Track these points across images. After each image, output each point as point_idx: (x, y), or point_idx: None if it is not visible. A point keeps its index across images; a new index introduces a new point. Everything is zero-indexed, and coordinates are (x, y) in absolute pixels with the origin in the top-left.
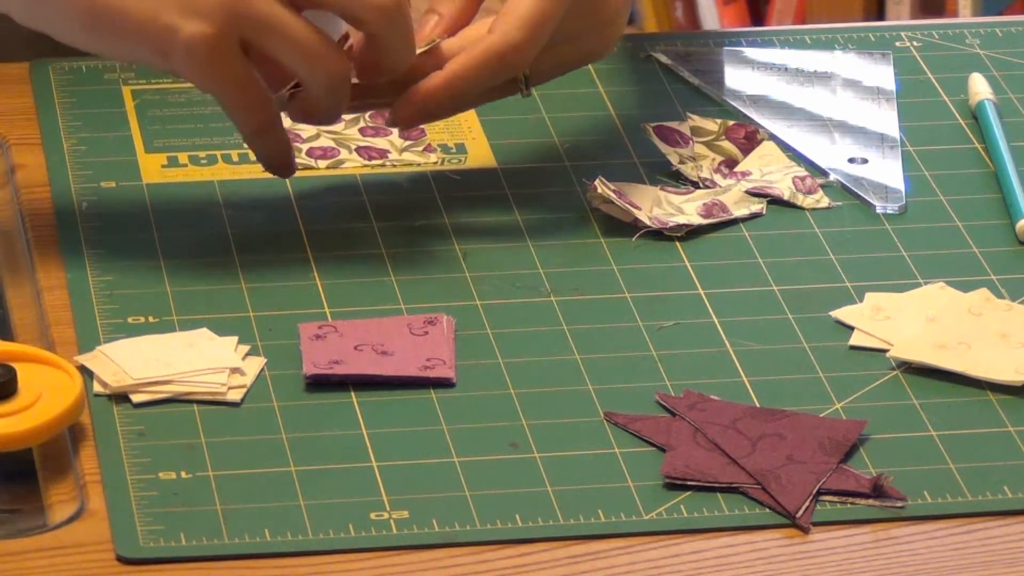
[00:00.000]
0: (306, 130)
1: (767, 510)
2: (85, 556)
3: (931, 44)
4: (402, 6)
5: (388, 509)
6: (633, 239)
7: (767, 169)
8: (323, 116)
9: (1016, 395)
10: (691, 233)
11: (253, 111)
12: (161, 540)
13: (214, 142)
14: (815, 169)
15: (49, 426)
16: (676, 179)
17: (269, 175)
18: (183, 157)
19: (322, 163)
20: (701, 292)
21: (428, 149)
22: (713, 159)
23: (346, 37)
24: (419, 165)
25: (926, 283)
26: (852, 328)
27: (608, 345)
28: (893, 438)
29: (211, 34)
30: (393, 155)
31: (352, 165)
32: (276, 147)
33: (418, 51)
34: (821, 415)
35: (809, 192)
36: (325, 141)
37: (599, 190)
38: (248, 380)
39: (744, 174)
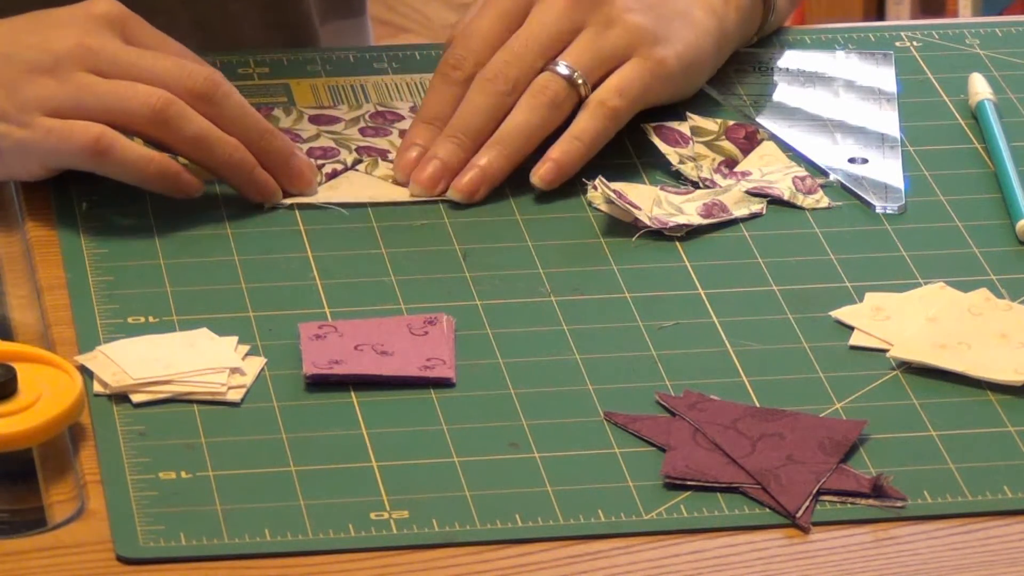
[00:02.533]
0: (306, 129)
1: (767, 510)
2: (85, 556)
3: (931, 44)
4: (172, 104)
5: (388, 509)
6: (633, 239)
7: (767, 169)
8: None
9: (1016, 395)
10: (691, 233)
11: (78, 137)
12: (161, 540)
13: None
14: (815, 169)
15: (49, 426)
16: (676, 179)
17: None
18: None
19: (334, 195)
20: (701, 292)
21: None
22: (713, 159)
23: None
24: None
25: (926, 283)
26: (852, 328)
27: (608, 345)
28: (893, 438)
29: (26, 124)
30: (393, 156)
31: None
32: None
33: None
34: (821, 415)
35: (809, 192)
36: (325, 141)
37: (599, 190)
38: (248, 380)
39: (744, 174)
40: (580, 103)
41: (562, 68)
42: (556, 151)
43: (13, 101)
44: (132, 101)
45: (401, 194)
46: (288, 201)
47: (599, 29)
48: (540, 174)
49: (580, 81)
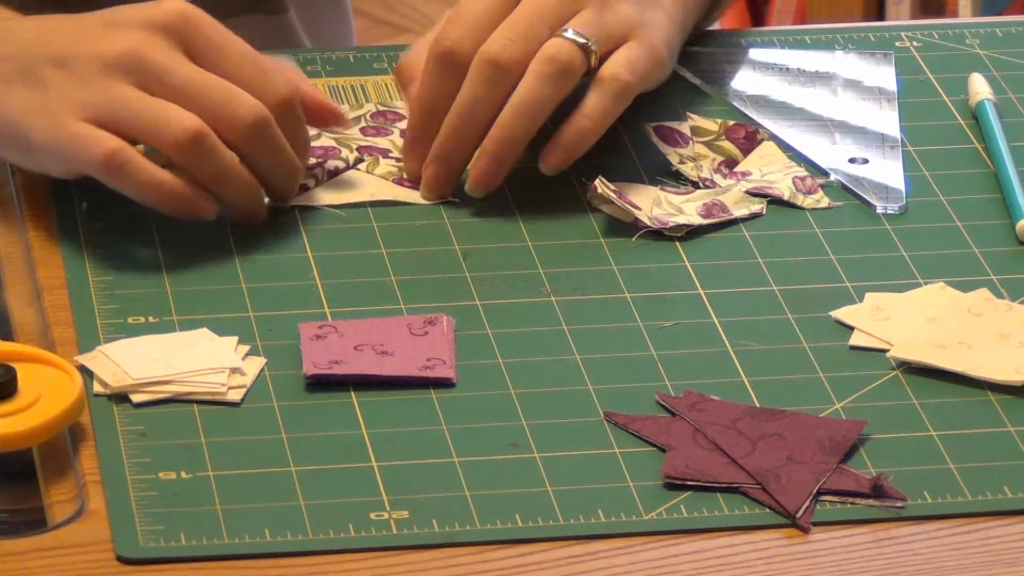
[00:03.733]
0: (308, 129)
1: (767, 510)
2: (85, 556)
3: (931, 44)
4: (203, 138)
5: (388, 509)
6: (633, 239)
7: (767, 169)
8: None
9: (1016, 395)
10: (691, 233)
11: (93, 150)
12: (161, 540)
13: None
14: (815, 169)
15: (49, 426)
16: (676, 179)
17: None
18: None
19: (337, 195)
20: (701, 292)
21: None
22: (713, 159)
23: None
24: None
25: (926, 283)
26: (852, 328)
27: (608, 345)
28: (893, 438)
29: (57, 125)
30: (395, 155)
31: (364, 194)
32: (242, 199)
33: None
34: (821, 415)
35: (809, 192)
36: (326, 140)
37: (599, 190)
38: (248, 380)
39: (744, 174)
40: (587, 74)
41: (572, 34)
42: (566, 135)
43: (59, 99)
44: (164, 125)
45: (405, 194)
46: (290, 203)
47: (598, 10)
48: (551, 162)
49: (593, 48)
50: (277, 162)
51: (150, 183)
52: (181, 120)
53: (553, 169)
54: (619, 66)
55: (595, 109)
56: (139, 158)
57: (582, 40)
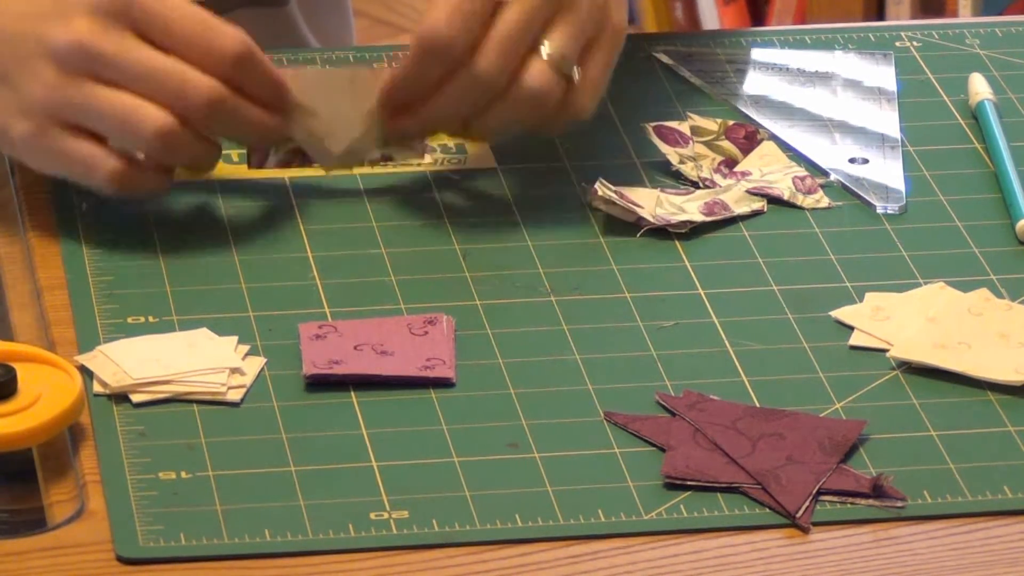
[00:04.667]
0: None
1: (767, 510)
2: (85, 556)
3: (931, 44)
4: (173, 134)
5: (388, 509)
6: (637, 236)
7: (767, 169)
8: (149, 184)
9: (1016, 395)
10: (691, 233)
11: (97, 171)
12: (161, 540)
13: None
14: (815, 169)
15: (49, 426)
16: (676, 179)
17: (268, 175)
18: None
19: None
20: (701, 292)
21: (426, 150)
22: (713, 159)
23: None
24: (419, 165)
25: (926, 283)
26: (852, 328)
27: (608, 345)
28: (893, 438)
29: (34, 131)
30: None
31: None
32: (153, 186)
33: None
34: (821, 415)
35: (809, 192)
36: None
37: (600, 192)
38: (248, 380)
39: (744, 174)
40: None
41: (558, 59)
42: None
43: (30, 101)
44: (136, 126)
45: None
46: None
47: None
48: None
49: (576, 77)
50: (244, 130)
51: (166, 189)
52: (154, 120)
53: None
54: (584, 95)
55: (550, 130)
56: (143, 174)
57: (567, 69)
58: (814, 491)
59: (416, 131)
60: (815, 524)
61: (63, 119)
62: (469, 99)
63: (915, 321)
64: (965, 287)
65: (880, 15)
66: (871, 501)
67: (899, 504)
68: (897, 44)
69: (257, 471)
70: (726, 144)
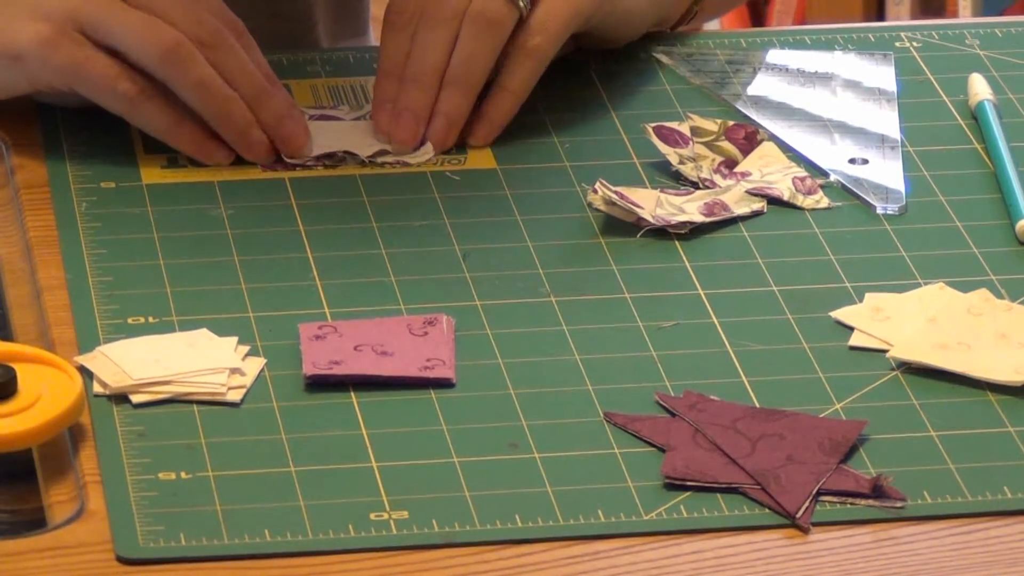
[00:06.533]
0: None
1: (767, 510)
2: (85, 556)
3: (931, 44)
4: (180, 47)
5: (388, 509)
6: (637, 236)
7: (767, 170)
8: (157, 118)
9: (1016, 395)
10: (691, 233)
11: (115, 84)
12: (161, 540)
13: None
14: (815, 169)
15: (49, 426)
16: (676, 179)
17: (268, 175)
18: (183, 157)
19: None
20: (701, 292)
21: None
22: (713, 159)
23: None
24: (418, 165)
25: (926, 283)
26: (852, 328)
27: (608, 345)
28: (893, 438)
29: (51, 35)
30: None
31: (352, 165)
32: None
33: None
34: (821, 415)
35: (809, 192)
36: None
37: (600, 192)
38: (248, 380)
39: (744, 174)
40: (521, 20)
41: None
42: (489, 109)
43: (46, 4)
44: (146, 36)
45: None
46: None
47: None
48: (478, 136)
49: (522, 4)
50: (242, 76)
51: (171, 130)
52: (164, 31)
53: (482, 142)
54: (528, 33)
55: (513, 80)
56: (153, 102)
57: None
58: (814, 491)
59: (418, 101)
60: (815, 524)
61: (81, 26)
62: (434, 39)
63: (915, 321)
64: (965, 287)
65: (880, 15)
66: (871, 501)
67: (899, 504)
68: (897, 44)
69: (257, 471)
70: (726, 145)
